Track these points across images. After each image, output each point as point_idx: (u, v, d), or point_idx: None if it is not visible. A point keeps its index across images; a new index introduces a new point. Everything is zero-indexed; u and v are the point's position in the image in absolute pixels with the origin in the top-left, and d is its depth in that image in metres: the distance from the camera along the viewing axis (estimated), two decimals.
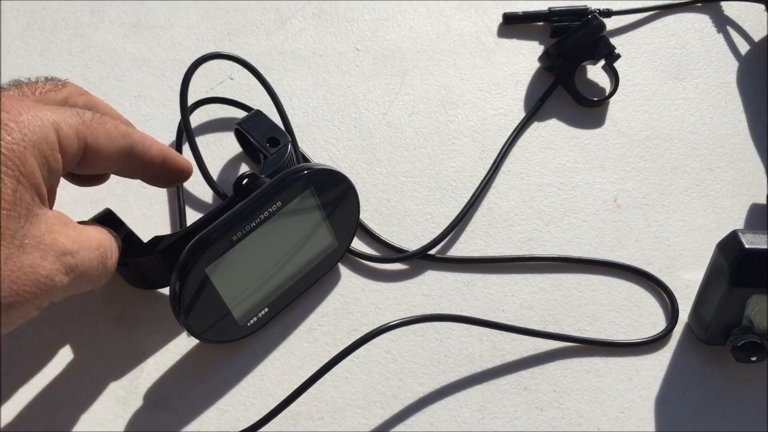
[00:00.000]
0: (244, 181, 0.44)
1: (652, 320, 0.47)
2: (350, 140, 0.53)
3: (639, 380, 0.45)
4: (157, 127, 0.53)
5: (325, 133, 0.54)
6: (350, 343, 0.42)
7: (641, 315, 0.47)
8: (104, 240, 0.37)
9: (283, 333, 0.46)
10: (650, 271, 0.49)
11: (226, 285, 0.42)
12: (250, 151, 0.52)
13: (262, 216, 0.41)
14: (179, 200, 0.49)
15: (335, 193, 0.45)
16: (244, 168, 0.52)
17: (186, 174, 0.44)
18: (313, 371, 0.41)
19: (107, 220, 0.43)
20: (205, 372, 0.44)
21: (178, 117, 0.53)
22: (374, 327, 0.42)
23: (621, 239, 0.50)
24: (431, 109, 0.55)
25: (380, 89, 0.56)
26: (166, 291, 0.46)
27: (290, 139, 0.48)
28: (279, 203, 0.42)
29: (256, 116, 0.50)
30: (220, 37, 0.58)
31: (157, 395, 0.43)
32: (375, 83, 0.56)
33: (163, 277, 0.44)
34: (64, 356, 0.44)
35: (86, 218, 0.43)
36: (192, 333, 0.42)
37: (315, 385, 0.41)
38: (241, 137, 0.51)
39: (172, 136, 0.52)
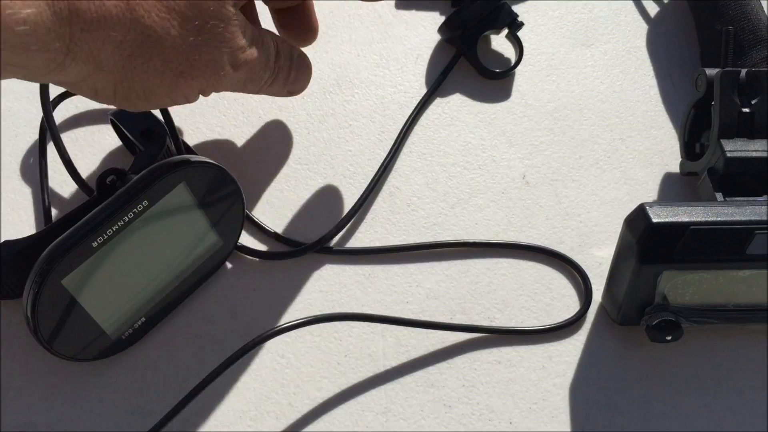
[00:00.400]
0: (109, 179, 0.40)
1: (566, 302, 0.44)
2: (237, 127, 0.49)
3: (552, 368, 0.42)
4: (19, 124, 0.48)
5: (209, 120, 0.49)
6: (237, 349, 0.38)
7: (554, 298, 0.45)
8: (268, 44, 0.37)
9: (165, 343, 0.42)
10: (562, 249, 0.46)
11: (91, 297, 0.37)
12: (128, 145, 0.48)
13: (126, 217, 0.37)
14: (44, 202, 0.45)
15: (213, 187, 0.40)
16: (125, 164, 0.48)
17: (312, 34, 0.45)
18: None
19: None
20: (76, 393, 0.40)
21: (41, 112, 0.48)
22: (267, 330, 0.39)
23: (531, 218, 0.47)
24: (326, 90, 0.51)
25: None
26: None
27: (167, 131, 0.44)
28: (146, 202, 0.37)
29: None
30: None
31: (21, 424, 0.39)
32: None
33: (17, 286, 0.39)
34: None
35: None
36: (59, 356, 0.38)
37: (202, 398, 0.38)
38: (118, 130, 0.47)
39: (34, 134, 0.47)
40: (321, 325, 0.42)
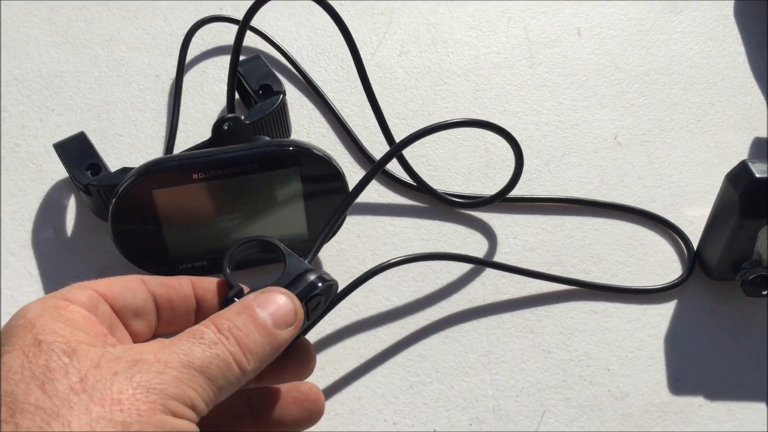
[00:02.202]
0: (225, 125, 0.41)
1: (659, 258, 0.45)
2: (338, 81, 0.51)
3: (647, 319, 0.43)
4: (132, 72, 0.49)
5: (312, 74, 0.51)
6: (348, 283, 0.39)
7: (646, 253, 0.46)
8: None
9: None
10: (654, 208, 0.47)
11: (171, 218, 0.40)
12: (243, 95, 0.49)
13: (233, 170, 0.38)
14: (169, 132, 0.47)
15: (324, 185, 0.41)
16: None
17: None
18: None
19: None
20: None
21: (153, 61, 0.50)
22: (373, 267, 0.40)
23: (623, 177, 0.48)
24: (421, 49, 0.53)
25: (367, 29, 0.53)
26: None
27: (284, 89, 0.46)
28: (257, 166, 0.39)
29: (254, 60, 0.47)
30: None
31: None
32: (361, 22, 0.54)
33: None
34: None
35: None
36: (117, 246, 0.40)
37: (310, 339, 0.39)
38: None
39: (148, 83, 0.49)
40: (424, 270, 0.44)
